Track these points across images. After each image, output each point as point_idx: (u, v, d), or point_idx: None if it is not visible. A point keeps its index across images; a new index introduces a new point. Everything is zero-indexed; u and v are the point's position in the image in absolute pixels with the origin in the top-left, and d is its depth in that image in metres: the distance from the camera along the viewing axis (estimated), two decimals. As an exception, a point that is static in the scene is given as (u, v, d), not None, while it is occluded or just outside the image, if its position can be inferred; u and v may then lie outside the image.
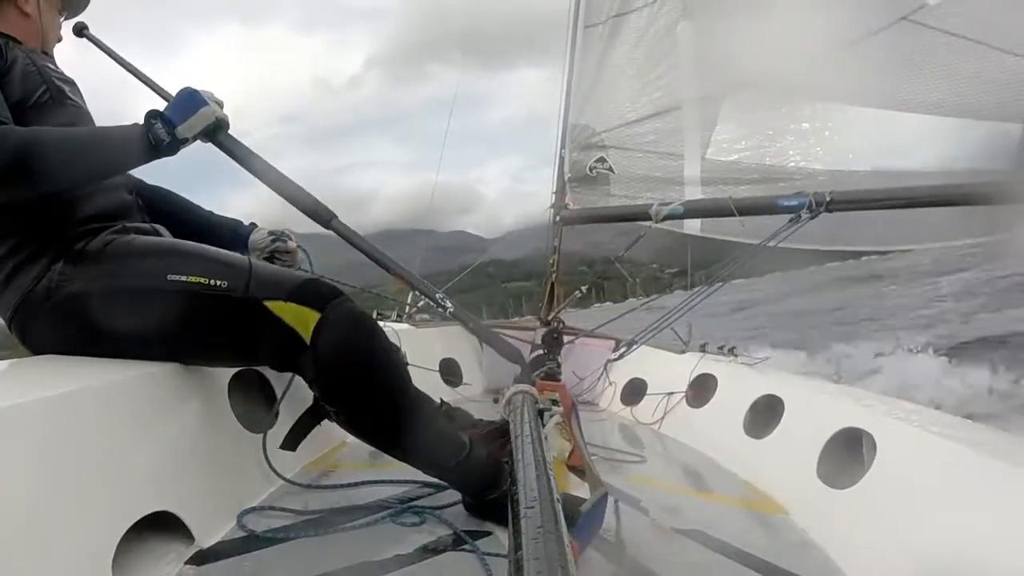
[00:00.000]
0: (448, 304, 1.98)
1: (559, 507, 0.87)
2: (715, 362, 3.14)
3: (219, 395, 1.88)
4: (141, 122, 1.71)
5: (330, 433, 2.17)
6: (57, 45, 2.02)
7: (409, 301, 3.78)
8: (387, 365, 1.73)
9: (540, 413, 1.74)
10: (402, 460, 1.81)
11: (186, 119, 1.74)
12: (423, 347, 2.00)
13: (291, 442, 1.90)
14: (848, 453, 1.95)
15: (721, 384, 2.94)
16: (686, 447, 2.79)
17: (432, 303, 1.99)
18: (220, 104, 1.83)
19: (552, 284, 4.43)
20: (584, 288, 4.24)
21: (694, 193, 3.88)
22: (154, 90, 1.98)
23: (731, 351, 3.33)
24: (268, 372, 2.12)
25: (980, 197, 2.73)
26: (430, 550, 1.51)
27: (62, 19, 2.03)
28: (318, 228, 2.17)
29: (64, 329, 1.66)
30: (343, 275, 2.26)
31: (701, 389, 3.03)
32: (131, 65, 2.06)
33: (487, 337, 2.04)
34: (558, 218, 4.46)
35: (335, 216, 2.00)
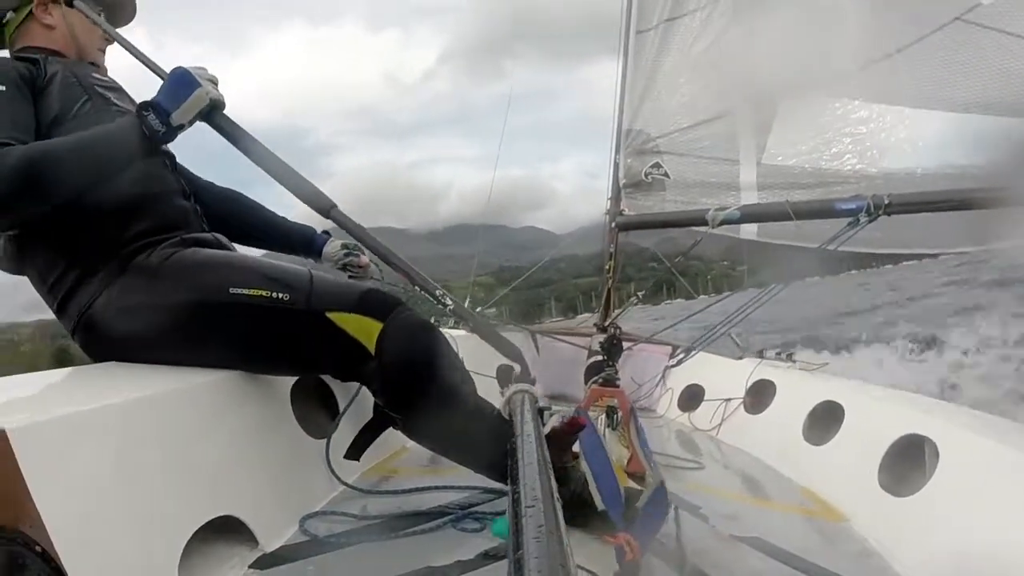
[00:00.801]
0: (448, 301, 1.98)
1: (559, 507, 0.88)
2: (773, 368, 3.11)
3: (281, 401, 1.92)
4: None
5: (390, 439, 2.20)
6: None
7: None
8: (450, 371, 1.75)
9: (540, 412, 1.75)
10: (463, 463, 1.84)
11: (179, 105, 1.69)
12: (480, 353, 2.02)
13: (355, 452, 1.94)
14: (910, 460, 1.92)
15: (779, 390, 2.91)
16: (744, 453, 2.77)
17: (432, 299, 1.98)
18: (215, 82, 1.77)
19: (609, 290, 4.43)
20: (640, 294, 4.24)
21: (750, 198, 3.84)
22: (150, 68, 1.88)
23: (789, 356, 3.30)
24: (329, 379, 2.16)
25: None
26: (491, 556, 1.51)
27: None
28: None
29: (125, 343, 1.69)
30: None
31: (759, 395, 3.00)
32: (127, 42, 1.98)
33: (487, 334, 2.03)
34: (613, 224, 4.46)
35: (335, 205, 1.96)
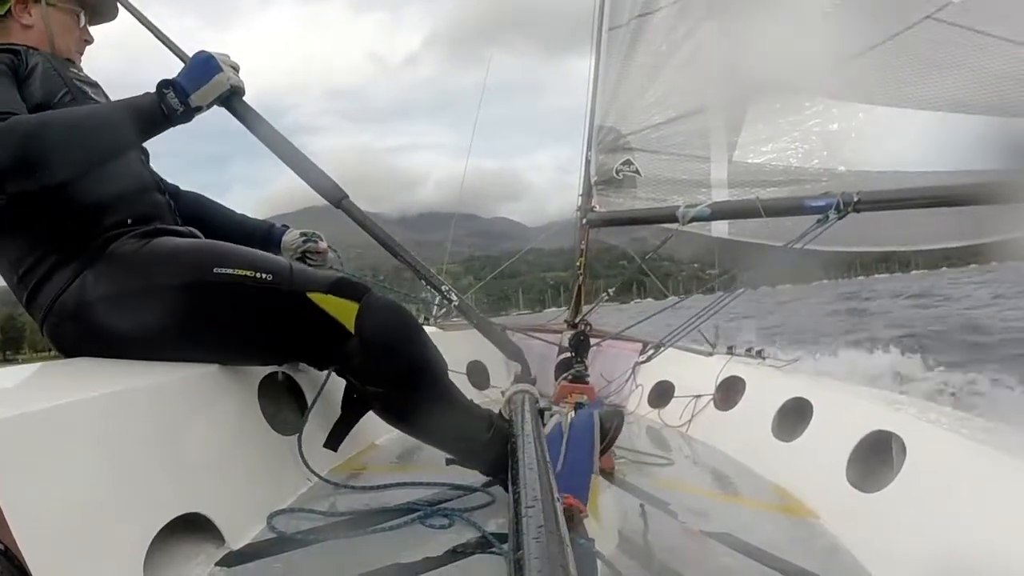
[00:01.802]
0: (454, 297, 2.00)
1: (559, 507, 0.88)
2: (743, 364, 3.13)
3: (249, 398, 1.91)
4: (153, 91, 1.71)
5: (359, 436, 2.19)
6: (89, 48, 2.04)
7: (437, 303, 3.80)
8: (426, 344, 1.83)
9: (540, 412, 1.75)
10: (437, 444, 1.92)
11: (200, 87, 1.73)
12: (450, 350, 2.01)
13: (333, 442, 1.98)
14: (878, 456, 1.93)
15: (749, 386, 2.93)
16: (714, 450, 2.78)
17: (439, 294, 1.99)
18: (236, 68, 1.81)
19: (579, 287, 4.43)
20: (611, 291, 4.24)
21: (721, 196, 3.85)
22: (171, 49, 1.94)
23: (759, 353, 3.31)
24: (297, 375, 2.14)
25: (1008, 195, 2.69)
26: (459, 552, 1.51)
27: (83, 25, 2.03)
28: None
29: (97, 331, 1.68)
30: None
31: (729, 392, 3.01)
32: (153, 25, 2.01)
33: (489, 332, 2.05)
34: (584, 221, 4.46)
35: (346, 196, 1.99)
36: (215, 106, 1.80)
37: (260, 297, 1.71)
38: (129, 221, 1.80)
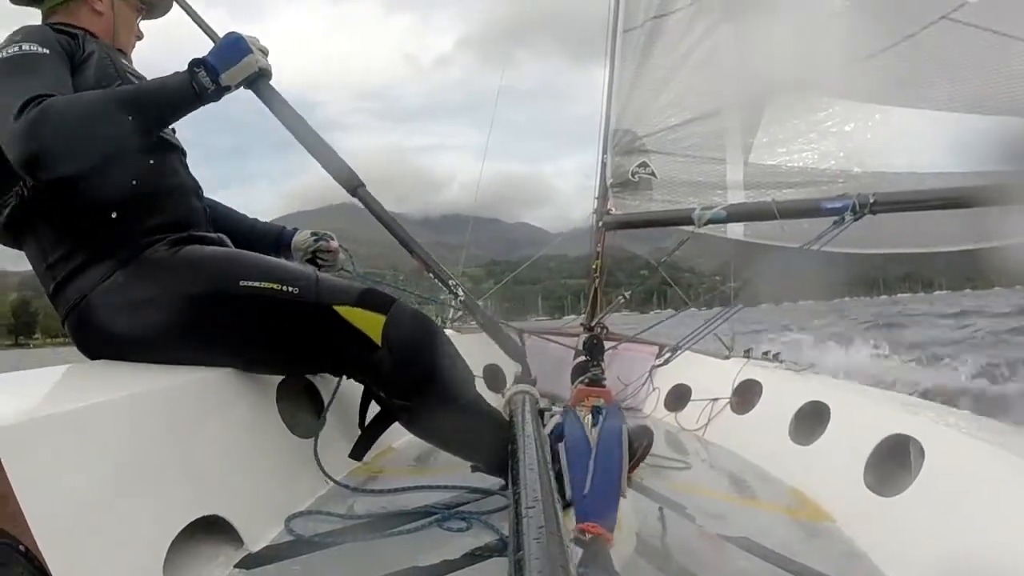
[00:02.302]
0: (460, 292, 2.00)
1: (560, 507, 0.88)
2: (760, 368, 3.12)
3: (267, 401, 1.92)
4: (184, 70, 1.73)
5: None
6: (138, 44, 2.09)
7: (453, 304, 3.80)
8: (453, 356, 1.85)
9: (540, 413, 1.75)
10: (463, 454, 1.93)
11: (230, 67, 1.75)
12: (467, 353, 2.02)
13: (359, 451, 2.00)
14: (895, 460, 1.92)
15: (766, 390, 2.92)
16: (731, 454, 2.77)
17: (444, 287, 2.00)
18: (264, 52, 1.83)
19: (595, 290, 4.43)
20: (627, 294, 4.23)
21: (737, 197, 3.84)
22: (203, 29, 1.98)
23: (776, 357, 3.30)
24: (316, 378, 2.16)
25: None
26: (476, 555, 1.51)
27: (139, 19, 2.08)
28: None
29: (121, 333, 1.69)
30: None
31: (746, 395, 3.00)
32: (188, 5, 2.07)
33: (492, 331, 2.05)
34: (600, 223, 4.45)
35: (363, 184, 1.99)
36: (242, 88, 1.82)
37: (286, 310, 1.73)
38: (166, 226, 1.82)
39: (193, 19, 2.02)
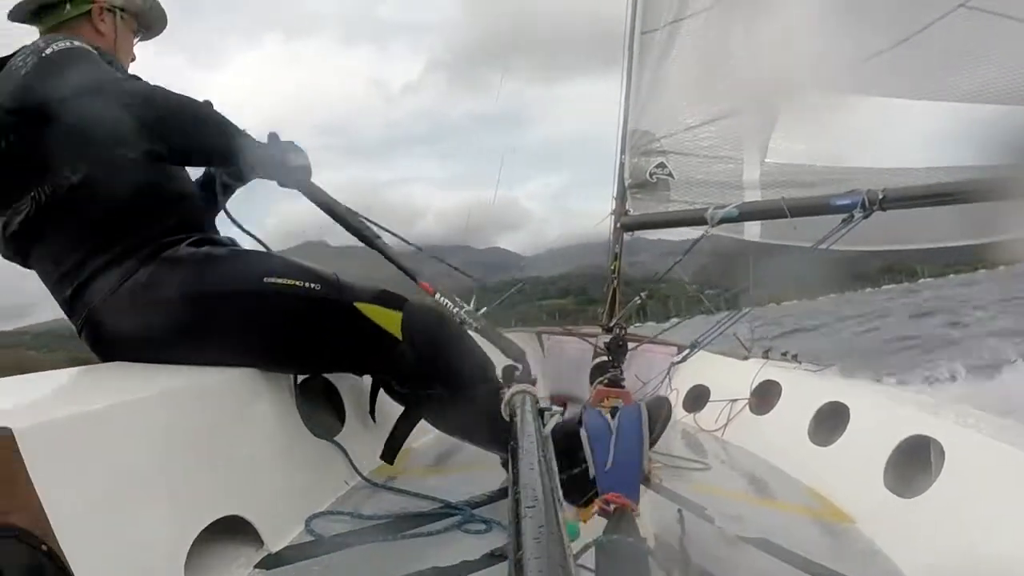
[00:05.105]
0: (463, 304, 2.03)
1: (560, 507, 0.88)
2: (779, 368, 3.11)
3: (287, 401, 1.92)
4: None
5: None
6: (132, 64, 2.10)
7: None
8: (470, 341, 1.93)
9: (541, 413, 1.76)
10: (481, 443, 1.98)
11: (297, 155, 1.84)
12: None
13: (390, 454, 2.04)
14: (916, 461, 1.91)
15: (785, 391, 2.91)
16: (750, 454, 2.77)
17: (451, 302, 2.02)
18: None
19: (614, 291, 4.43)
20: (644, 294, 4.23)
21: (754, 197, 3.83)
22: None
23: (794, 357, 3.29)
24: (334, 378, 2.17)
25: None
26: (497, 556, 1.51)
27: (136, 40, 2.11)
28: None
29: (151, 333, 1.70)
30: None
31: (765, 396, 2.99)
32: None
33: (490, 334, 2.06)
34: (619, 224, 4.45)
35: (379, 237, 2.03)
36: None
37: (308, 306, 1.76)
38: (182, 227, 1.84)
39: None
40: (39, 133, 1.65)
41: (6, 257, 1.84)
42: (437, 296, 2.00)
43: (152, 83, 1.73)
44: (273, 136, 1.84)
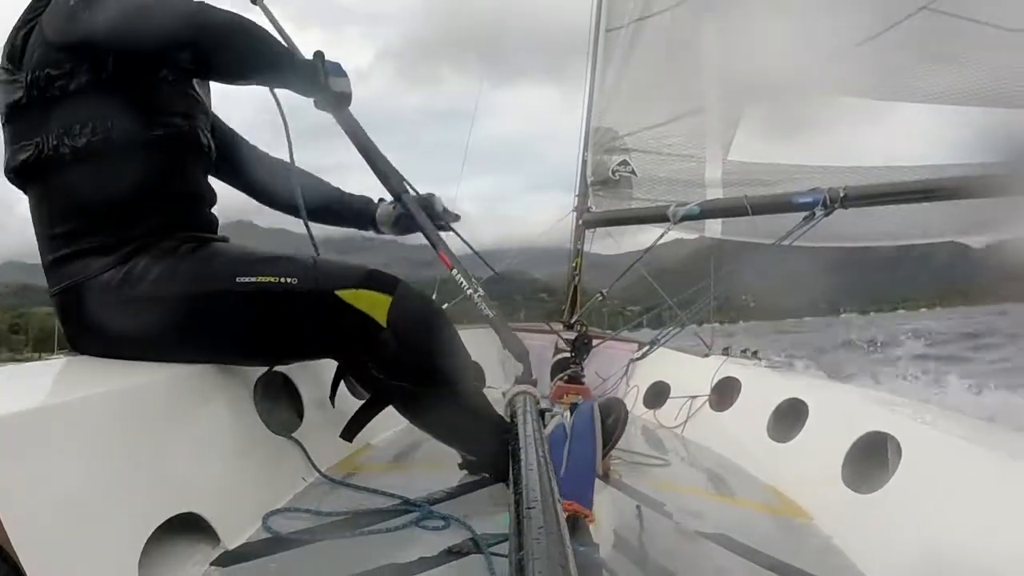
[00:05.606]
0: (479, 290, 2.01)
1: (560, 507, 0.88)
2: (738, 365, 3.13)
3: (245, 397, 1.89)
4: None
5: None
6: None
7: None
8: (457, 342, 1.88)
9: (541, 414, 1.75)
10: (446, 440, 1.97)
11: (340, 77, 1.86)
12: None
13: (350, 432, 2.00)
14: (873, 457, 1.93)
15: (745, 387, 2.93)
16: (709, 451, 2.78)
17: (467, 283, 2.00)
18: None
19: (575, 287, 4.43)
20: (605, 291, 4.24)
21: (716, 195, 3.87)
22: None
23: (754, 354, 3.32)
24: (293, 374, 2.14)
25: (999, 188, 2.69)
26: (454, 553, 1.50)
27: None
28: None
29: (117, 330, 1.66)
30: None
31: (724, 392, 3.01)
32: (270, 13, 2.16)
33: (501, 329, 2.05)
34: (580, 221, 4.46)
35: (407, 191, 2.15)
36: (327, 102, 1.93)
37: (285, 301, 1.72)
38: (173, 228, 1.79)
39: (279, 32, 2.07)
40: (79, 69, 1.63)
41: (10, 182, 1.80)
42: (454, 272, 1.99)
43: None
44: (319, 54, 1.84)
